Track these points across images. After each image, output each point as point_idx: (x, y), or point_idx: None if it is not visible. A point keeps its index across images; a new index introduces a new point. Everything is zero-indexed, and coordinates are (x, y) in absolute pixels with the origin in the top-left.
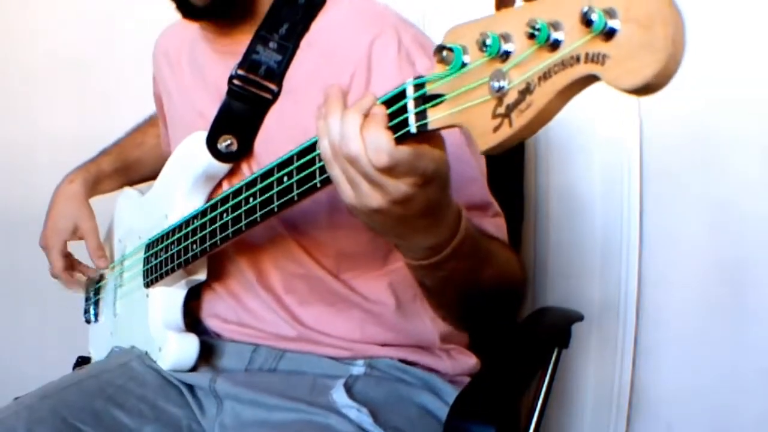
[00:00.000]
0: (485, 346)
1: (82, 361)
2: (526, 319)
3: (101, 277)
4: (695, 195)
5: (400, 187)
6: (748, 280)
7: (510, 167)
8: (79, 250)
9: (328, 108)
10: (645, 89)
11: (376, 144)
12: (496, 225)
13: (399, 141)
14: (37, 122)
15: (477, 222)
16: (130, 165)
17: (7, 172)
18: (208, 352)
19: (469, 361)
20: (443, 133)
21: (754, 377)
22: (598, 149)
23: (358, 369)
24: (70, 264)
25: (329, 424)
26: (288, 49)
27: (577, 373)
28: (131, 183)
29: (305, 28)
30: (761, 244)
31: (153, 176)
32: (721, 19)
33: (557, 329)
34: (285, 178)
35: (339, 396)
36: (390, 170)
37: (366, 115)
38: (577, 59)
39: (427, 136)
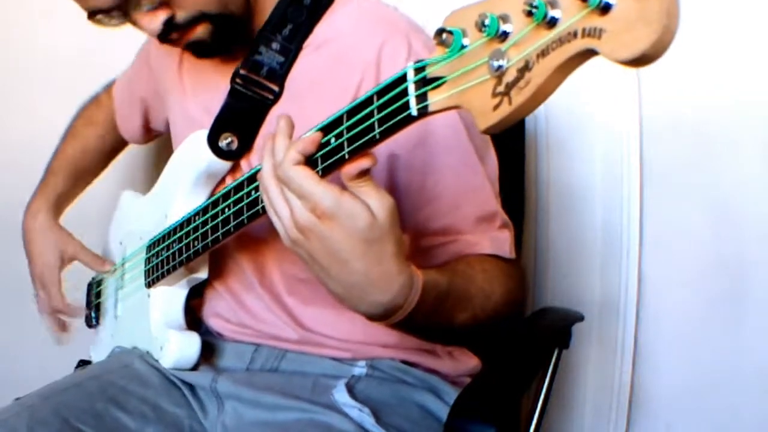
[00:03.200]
0: (486, 347)
1: (83, 364)
2: (527, 320)
3: (101, 282)
4: (695, 195)
5: (307, 213)
6: (748, 280)
7: (510, 167)
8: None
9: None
10: (641, 60)
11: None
12: (497, 240)
13: (400, 125)
14: (37, 121)
15: (476, 238)
16: (81, 174)
17: (6, 172)
18: (209, 352)
19: (470, 361)
20: (447, 138)
21: (754, 377)
22: (598, 149)
23: (360, 370)
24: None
25: (331, 423)
26: (290, 51)
27: (577, 373)
28: (88, 185)
29: (309, 30)
30: (761, 244)
31: (104, 168)
32: (721, 18)
33: (557, 330)
34: None
35: (341, 396)
36: (321, 212)
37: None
38: (575, 34)
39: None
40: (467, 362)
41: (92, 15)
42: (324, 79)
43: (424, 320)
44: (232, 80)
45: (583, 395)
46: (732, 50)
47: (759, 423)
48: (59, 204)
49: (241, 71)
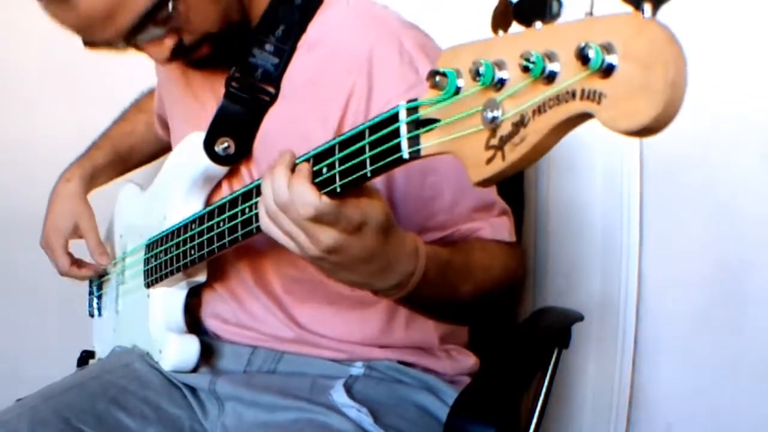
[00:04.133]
0: (485, 346)
1: (87, 355)
2: (527, 320)
3: (105, 272)
4: (695, 195)
5: (330, 234)
6: (748, 281)
7: None
8: (79, 248)
9: (267, 170)
10: (641, 133)
11: (302, 197)
12: (496, 225)
13: (394, 165)
14: (37, 122)
15: (475, 225)
16: (124, 155)
17: (6, 172)
18: (206, 353)
19: (468, 360)
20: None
21: (754, 377)
22: (598, 149)
23: (357, 370)
24: (74, 261)
25: (330, 423)
26: (285, 52)
27: (577, 373)
28: (126, 172)
29: (302, 29)
30: (761, 244)
31: (146, 162)
32: (720, 20)
33: (557, 329)
34: None
35: (339, 396)
36: (317, 220)
37: (293, 170)
38: (573, 95)
39: (361, 188)
40: (465, 361)
41: (91, 45)
42: (318, 79)
43: (431, 291)
44: (227, 84)
45: (583, 395)
46: (731, 52)
47: (759, 423)
48: (93, 178)
49: (236, 74)
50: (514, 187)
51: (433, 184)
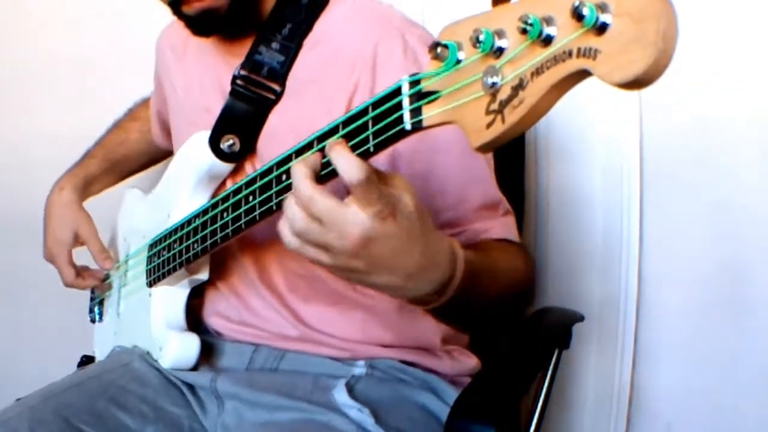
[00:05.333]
0: (486, 347)
1: (87, 360)
2: (527, 320)
3: (106, 277)
4: (695, 195)
5: (360, 218)
6: (749, 280)
7: (510, 167)
8: (82, 254)
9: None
10: (635, 84)
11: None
12: (505, 224)
13: (394, 139)
14: (37, 122)
15: (485, 225)
16: (116, 164)
17: (6, 172)
18: (208, 352)
19: (469, 361)
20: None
21: (754, 377)
22: (598, 149)
23: (359, 370)
24: (78, 271)
25: (331, 423)
26: (291, 50)
27: (577, 372)
28: (120, 180)
29: (308, 28)
30: (761, 244)
31: (140, 170)
32: (720, 19)
33: (558, 330)
34: (284, 176)
35: (340, 396)
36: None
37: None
38: (569, 54)
39: (384, 177)
40: (466, 362)
41: None
42: (322, 77)
43: (465, 297)
44: (233, 82)
45: (583, 395)
46: (731, 51)
47: (759, 423)
48: (87, 186)
49: (242, 71)
50: (514, 187)
51: (439, 178)
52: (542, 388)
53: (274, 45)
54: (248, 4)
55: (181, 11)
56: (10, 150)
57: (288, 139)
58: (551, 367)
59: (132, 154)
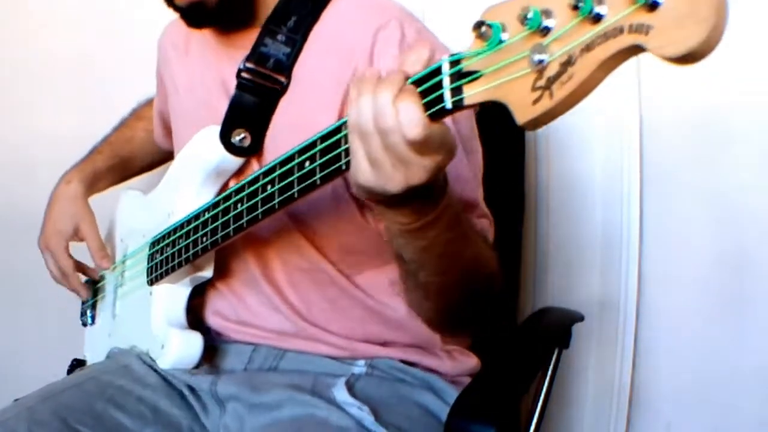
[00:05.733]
0: (486, 347)
1: (77, 363)
2: (527, 320)
3: (99, 279)
4: (696, 193)
5: (426, 163)
6: (749, 280)
7: (510, 166)
8: (79, 251)
9: (362, 84)
10: (689, 58)
11: (410, 117)
12: (480, 226)
13: (432, 118)
14: (37, 122)
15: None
16: (124, 161)
17: (7, 172)
18: (208, 353)
19: (469, 361)
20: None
21: (754, 377)
22: (598, 148)
23: (359, 369)
24: (74, 264)
25: (331, 419)
26: (296, 42)
27: (577, 372)
28: (125, 179)
29: (314, 20)
30: (762, 242)
31: (145, 170)
32: None
33: (558, 329)
34: (306, 163)
35: (340, 393)
36: (421, 145)
37: (399, 91)
38: (621, 30)
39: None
40: (466, 362)
41: None
42: (326, 68)
43: (447, 228)
44: (238, 75)
45: (583, 395)
46: (732, 49)
47: (759, 423)
48: (93, 182)
49: (248, 64)
50: (514, 187)
51: None
52: (542, 388)
53: (280, 37)
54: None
55: (174, 3)
56: (10, 150)
57: (292, 132)
58: (551, 366)
59: (138, 152)
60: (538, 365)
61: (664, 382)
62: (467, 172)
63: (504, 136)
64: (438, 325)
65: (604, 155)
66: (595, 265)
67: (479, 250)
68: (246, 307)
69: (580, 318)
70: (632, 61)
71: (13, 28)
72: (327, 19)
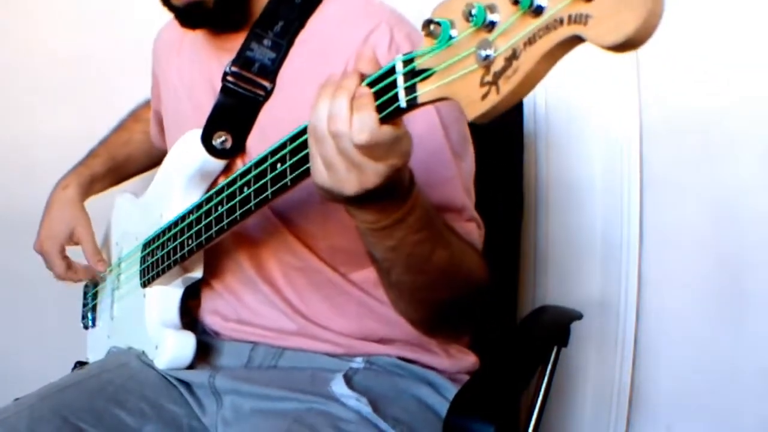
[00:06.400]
0: (485, 345)
1: (81, 366)
2: (526, 318)
3: (98, 282)
4: (695, 194)
5: (379, 168)
6: (748, 280)
7: (509, 166)
8: (76, 255)
9: (323, 87)
10: (627, 45)
11: (361, 122)
12: (466, 229)
13: (389, 117)
14: (38, 122)
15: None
16: (120, 164)
17: (7, 172)
18: (206, 352)
19: (468, 359)
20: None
21: (754, 377)
22: (597, 148)
23: (357, 364)
24: (70, 265)
25: (329, 411)
26: (282, 47)
27: (577, 372)
28: (122, 181)
29: (300, 25)
30: (761, 244)
31: (142, 171)
32: (720, 18)
33: (556, 328)
34: (278, 164)
35: (338, 387)
36: (371, 149)
37: (354, 96)
38: (561, 21)
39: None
40: (464, 359)
41: None
42: (312, 74)
43: (416, 229)
44: (223, 78)
45: (582, 394)
46: (731, 50)
47: (759, 423)
48: (90, 185)
49: (233, 68)
50: (513, 186)
51: None
52: (541, 386)
53: (266, 42)
54: (236, 0)
55: (171, 3)
56: (11, 149)
57: (276, 137)
58: (550, 364)
59: (135, 154)
60: (537, 363)
61: (664, 382)
62: (454, 177)
63: (503, 136)
64: (419, 324)
65: (603, 155)
66: (594, 265)
67: (457, 253)
68: (245, 305)
69: (579, 316)
70: (632, 62)
71: (13, 28)
72: (314, 25)
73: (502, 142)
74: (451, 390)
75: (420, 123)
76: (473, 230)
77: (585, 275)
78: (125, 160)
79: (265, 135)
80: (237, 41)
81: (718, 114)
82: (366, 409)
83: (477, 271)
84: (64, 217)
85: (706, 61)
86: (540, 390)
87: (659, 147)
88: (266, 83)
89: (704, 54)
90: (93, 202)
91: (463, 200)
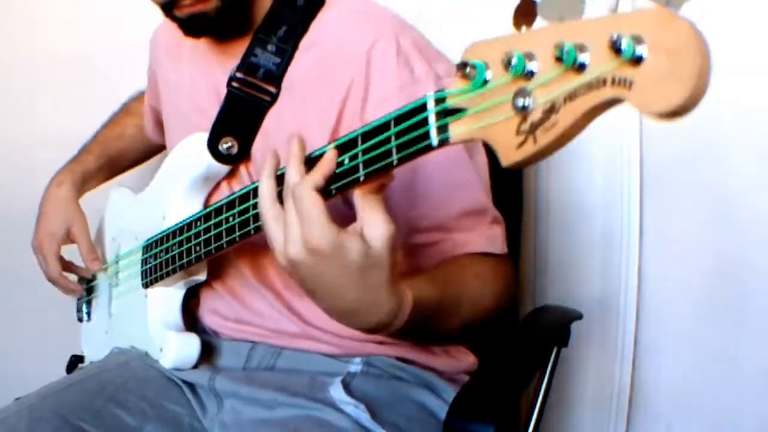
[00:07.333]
0: (484, 345)
1: (76, 359)
2: (526, 318)
3: (93, 276)
4: (696, 195)
5: (326, 233)
6: (749, 279)
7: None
8: (69, 251)
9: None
10: (671, 115)
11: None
12: (489, 236)
13: (421, 153)
14: (38, 122)
15: (467, 236)
16: (114, 159)
17: (7, 172)
18: (206, 351)
19: (467, 359)
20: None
21: (754, 377)
22: (598, 147)
23: (356, 367)
24: (65, 266)
25: (328, 419)
26: (286, 52)
27: (577, 372)
28: (116, 175)
29: (304, 30)
30: (761, 244)
31: (136, 165)
32: (720, 19)
33: (556, 328)
34: None
35: (337, 393)
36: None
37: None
38: (604, 82)
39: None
40: (464, 359)
41: None
42: (318, 79)
43: (412, 331)
44: (229, 83)
45: (582, 395)
46: (731, 50)
47: (759, 423)
48: (84, 182)
49: (238, 74)
50: (513, 187)
51: (423, 181)
52: (541, 387)
53: (270, 47)
54: (238, 8)
55: (173, 14)
56: (10, 149)
57: (281, 142)
58: (550, 365)
59: (128, 149)
60: (537, 363)
61: (664, 382)
62: (472, 177)
63: None
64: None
65: (603, 155)
66: (594, 265)
67: (468, 310)
68: (244, 305)
69: (579, 316)
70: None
71: (13, 28)
72: (318, 29)
73: None
74: (451, 393)
75: None
76: (498, 235)
77: (585, 275)
78: (118, 156)
79: (269, 140)
80: (240, 46)
81: (718, 114)
82: (364, 416)
83: (498, 299)
84: (59, 216)
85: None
86: (540, 390)
87: (659, 147)
88: (271, 88)
89: None
90: (88, 196)
91: (484, 201)
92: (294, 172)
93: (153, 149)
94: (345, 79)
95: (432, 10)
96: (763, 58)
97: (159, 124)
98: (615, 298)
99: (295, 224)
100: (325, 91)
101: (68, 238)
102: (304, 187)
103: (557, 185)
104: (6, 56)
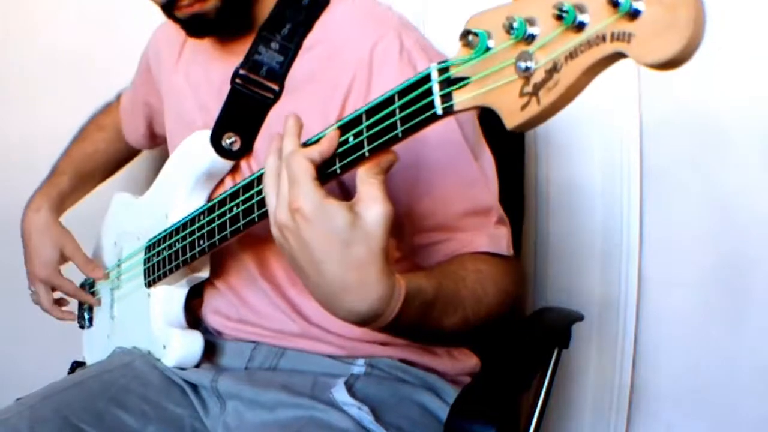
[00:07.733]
0: (486, 346)
1: (78, 366)
2: (527, 319)
3: (94, 282)
4: (696, 194)
5: (312, 198)
6: (748, 280)
7: (510, 166)
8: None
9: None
10: (669, 64)
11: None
12: (494, 236)
13: (425, 123)
14: (37, 121)
15: (471, 236)
16: (87, 178)
17: (7, 172)
18: (208, 351)
19: (469, 361)
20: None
21: (753, 377)
22: (598, 148)
23: (359, 368)
24: (59, 303)
25: (330, 420)
26: (290, 50)
27: (577, 373)
28: (91, 190)
29: (308, 28)
30: (761, 244)
31: (110, 176)
32: (720, 18)
33: (557, 329)
34: None
35: (340, 394)
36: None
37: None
38: (603, 38)
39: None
40: (466, 361)
41: None
42: (320, 76)
43: (408, 326)
44: (232, 80)
45: (583, 395)
46: (732, 49)
47: (759, 423)
48: (61, 203)
49: (241, 71)
50: (513, 187)
51: (427, 179)
52: (542, 388)
53: (274, 45)
54: (238, 8)
55: (174, 15)
56: (11, 149)
57: None
58: (551, 366)
59: (100, 165)
60: (538, 365)
61: (664, 382)
62: (476, 177)
63: (503, 137)
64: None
65: (603, 155)
66: (595, 265)
67: (470, 309)
68: (246, 305)
69: (580, 318)
70: (632, 62)
71: (13, 28)
72: (322, 28)
73: (502, 142)
74: (453, 394)
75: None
76: (503, 235)
77: (585, 276)
78: (91, 173)
79: (272, 137)
80: (242, 44)
81: (719, 113)
82: (367, 417)
83: (501, 298)
84: (48, 242)
85: (706, 60)
86: (541, 391)
87: (659, 146)
88: (274, 86)
89: (705, 53)
90: (92, 200)
91: (490, 201)
92: (289, 142)
93: (123, 161)
94: (347, 76)
95: (432, 10)
96: (763, 58)
97: (148, 123)
98: (615, 298)
99: (284, 188)
100: (328, 89)
101: (63, 261)
102: (297, 155)
103: (557, 185)
104: (6, 56)
